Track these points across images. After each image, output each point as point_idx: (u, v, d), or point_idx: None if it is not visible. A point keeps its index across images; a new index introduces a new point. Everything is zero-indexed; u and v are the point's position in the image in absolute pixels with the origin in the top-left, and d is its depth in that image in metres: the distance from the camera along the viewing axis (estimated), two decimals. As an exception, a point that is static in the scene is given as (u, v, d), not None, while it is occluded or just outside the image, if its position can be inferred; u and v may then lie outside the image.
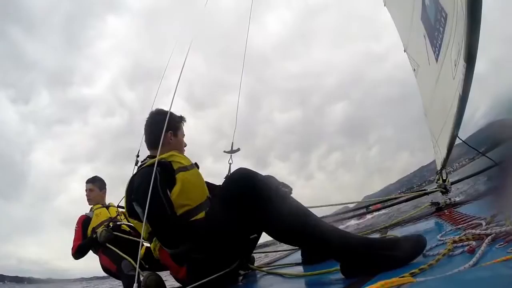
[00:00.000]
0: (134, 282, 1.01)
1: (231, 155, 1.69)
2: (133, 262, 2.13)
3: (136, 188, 1.28)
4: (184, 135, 1.59)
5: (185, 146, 1.59)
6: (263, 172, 1.36)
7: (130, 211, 1.35)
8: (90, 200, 2.76)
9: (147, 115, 1.57)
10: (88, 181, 2.79)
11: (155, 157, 1.31)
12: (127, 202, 1.39)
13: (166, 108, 1.48)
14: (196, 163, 1.57)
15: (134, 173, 1.43)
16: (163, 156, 1.38)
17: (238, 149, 1.70)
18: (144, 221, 1.17)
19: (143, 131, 1.53)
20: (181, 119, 1.60)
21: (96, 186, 2.80)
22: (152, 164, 1.26)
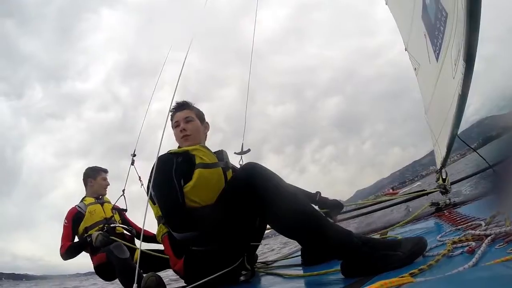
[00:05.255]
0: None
1: (241, 156, 1.74)
2: (125, 243, 2.09)
3: (152, 174, 1.29)
4: (177, 125, 1.52)
5: (182, 137, 1.50)
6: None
7: (148, 192, 1.37)
8: (105, 190, 2.59)
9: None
10: (107, 171, 2.63)
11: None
12: (148, 182, 1.38)
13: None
14: (227, 162, 1.50)
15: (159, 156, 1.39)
16: (188, 148, 1.42)
17: (249, 150, 1.77)
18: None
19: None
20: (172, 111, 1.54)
21: None
22: (171, 153, 1.40)
